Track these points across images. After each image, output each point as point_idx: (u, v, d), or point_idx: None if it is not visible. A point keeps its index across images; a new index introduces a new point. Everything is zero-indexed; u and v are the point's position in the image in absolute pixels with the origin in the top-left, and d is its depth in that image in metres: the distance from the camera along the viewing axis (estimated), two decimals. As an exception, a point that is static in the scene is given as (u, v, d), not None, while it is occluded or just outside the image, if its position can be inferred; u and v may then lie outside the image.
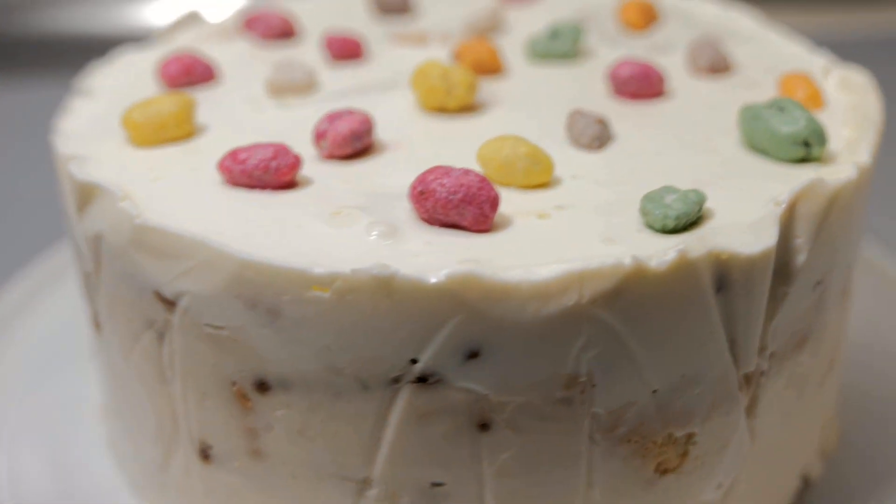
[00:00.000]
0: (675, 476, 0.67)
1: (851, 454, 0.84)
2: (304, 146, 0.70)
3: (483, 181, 0.62)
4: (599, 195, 0.67)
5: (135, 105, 0.73)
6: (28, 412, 0.88)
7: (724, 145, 0.72)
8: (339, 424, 0.63)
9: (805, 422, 0.76)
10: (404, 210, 0.64)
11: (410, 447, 0.63)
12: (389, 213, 0.64)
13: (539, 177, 0.67)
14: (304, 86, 0.80)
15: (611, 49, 0.88)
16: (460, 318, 0.58)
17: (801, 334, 0.69)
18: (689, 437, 0.66)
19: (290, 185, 0.67)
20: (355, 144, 0.70)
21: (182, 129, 0.73)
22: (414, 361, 0.60)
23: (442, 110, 0.77)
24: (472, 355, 0.60)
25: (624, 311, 0.60)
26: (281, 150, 0.67)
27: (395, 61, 0.86)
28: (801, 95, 0.77)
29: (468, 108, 0.77)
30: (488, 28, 0.92)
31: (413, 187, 0.63)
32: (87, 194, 0.67)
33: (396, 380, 0.61)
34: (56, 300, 1.00)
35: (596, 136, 0.72)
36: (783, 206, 0.64)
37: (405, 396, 0.61)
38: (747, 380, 0.66)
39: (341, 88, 0.81)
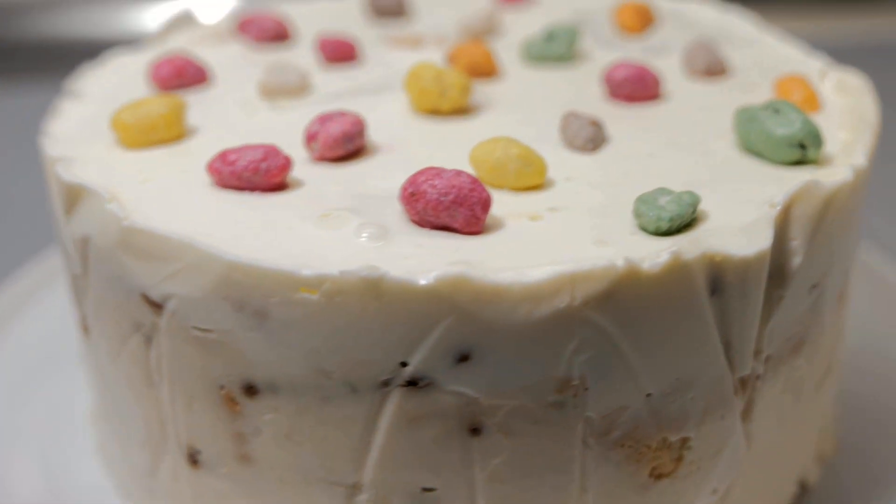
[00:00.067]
0: (670, 481, 0.66)
1: (849, 460, 0.83)
2: (295, 148, 0.70)
3: (475, 182, 0.62)
4: (593, 197, 0.66)
5: (124, 106, 0.73)
6: (19, 417, 0.87)
7: (720, 148, 0.72)
8: (328, 429, 0.62)
9: (802, 427, 0.76)
10: (395, 212, 0.64)
11: (401, 452, 0.62)
12: (380, 216, 0.63)
13: (532, 178, 0.66)
14: (296, 88, 0.80)
15: (606, 52, 0.87)
16: (451, 321, 0.58)
17: (798, 338, 0.69)
18: (684, 442, 0.65)
19: (280, 187, 0.67)
20: (347, 146, 0.69)
21: (172, 131, 0.73)
22: (404, 364, 0.59)
23: (435, 112, 0.76)
24: (463, 358, 0.59)
25: (617, 313, 0.59)
26: (271, 152, 0.66)
27: (388, 64, 0.85)
28: (797, 98, 0.77)
29: (462, 110, 0.76)
30: (484, 31, 0.91)
31: (404, 189, 0.62)
32: (75, 196, 0.67)
33: (386, 383, 0.60)
34: (47, 304, 0.99)
35: (590, 138, 0.71)
36: (778, 207, 0.63)
37: (395, 400, 0.60)
38: (743, 384, 0.65)
39: (334, 91, 0.80)
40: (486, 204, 0.62)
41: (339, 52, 0.86)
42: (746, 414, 0.67)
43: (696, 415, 0.64)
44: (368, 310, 0.58)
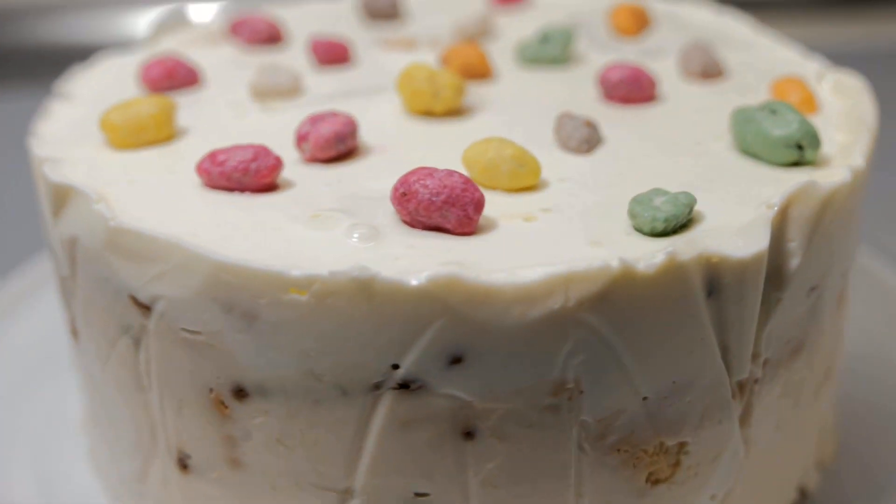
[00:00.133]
0: (667, 486, 0.65)
1: (849, 466, 0.83)
2: (286, 149, 0.69)
3: (467, 182, 0.61)
4: (587, 198, 0.65)
5: (113, 107, 0.72)
6: (11, 423, 0.87)
7: (716, 149, 0.71)
8: (319, 432, 0.61)
9: (801, 432, 0.75)
10: (386, 213, 0.63)
11: (393, 456, 0.61)
12: (371, 216, 0.63)
13: (525, 179, 0.66)
14: (288, 89, 0.79)
15: (602, 54, 0.87)
16: (443, 322, 0.57)
17: (796, 342, 0.68)
18: (682, 447, 0.64)
19: (270, 187, 0.66)
20: (339, 147, 0.69)
21: (162, 132, 0.72)
22: (395, 367, 0.58)
23: (428, 114, 0.75)
24: (456, 360, 0.58)
25: (611, 315, 0.58)
26: (261, 152, 0.65)
27: (382, 66, 0.84)
28: (794, 99, 0.76)
29: (455, 111, 0.76)
30: (478, 33, 0.91)
31: (395, 189, 0.61)
32: (62, 197, 0.66)
33: (377, 386, 0.59)
34: (38, 309, 0.98)
35: (585, 139, 0.70)
36: (775, 208, 0.62)
37: (387, 403, 0.59)
38: (741, 388, 0.65)
39: (326, 92, 0.80)
40: (478, 204, 0.61)
41: (332, 54, 0.85)
42: (745, 418, 0.66)
43: (693, 419, 0.63)
44: (359, 311, 0.57)
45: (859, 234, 0.75)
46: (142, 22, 1.54)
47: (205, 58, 0.86)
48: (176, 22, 0.94)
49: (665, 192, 0.62)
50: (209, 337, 0.61)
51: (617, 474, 0.63)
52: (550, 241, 0.61)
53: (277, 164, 0.65)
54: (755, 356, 0.64)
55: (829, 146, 0.70)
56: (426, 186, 0.60)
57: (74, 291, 0.69)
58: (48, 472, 0.82)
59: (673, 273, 0.58)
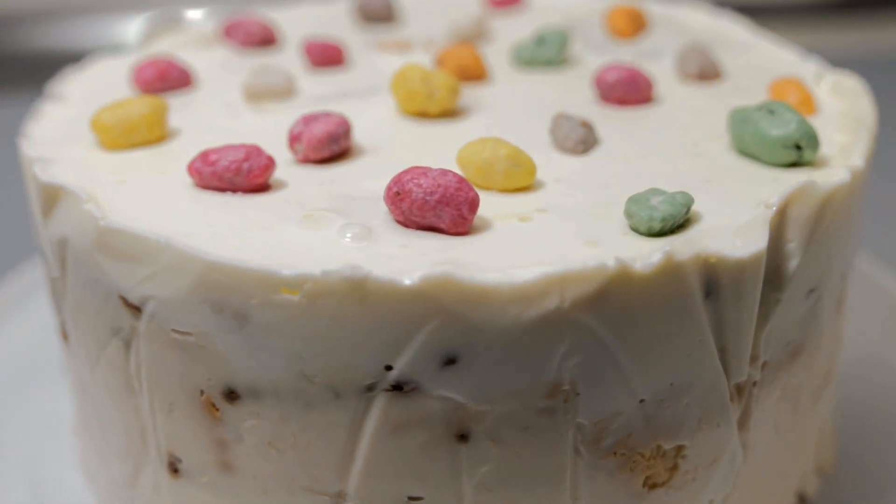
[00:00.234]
0: (665, 491, 0.64)
1: (849, 471, 0.82)
2: (279, 150, 0.68)
3: (461, 182, 0.60)
4: (583, 199, 0.64)
5: (104, 107, 0.71)
6: (2, 428, 0.86)
7: (713, 150, 0.70)
8: (311, 435, 0.60)
9: (800, 437, 0.74)
10: (380, 213, 0.62)
11: (386, 459, 0.60)
12: (364, 216, 0.62)
13: (520, 179, 0.65)
14: (281, 91, 0.78)
15: (598, 56, 0.86)
16: (437, 323, 0.56)
17: (795, 345, 0.67)
18: (679, 451, 0.63)
19: (262, 188, 0.65)
20: (332, 147, 0.68)
21: (153, 133, 0.71)
22: (389, 368, 0.57)
23: (423, 115, 0.75)
24: (450, 362, 0.57)
25: (608, 315, 0.57)
26: (253, 152, 0.65)
27: (376, 68, 0.84)
28: (792, 100, 0.75)
29: (450, 112, 0.75)
30: (473, 36, 0.90)
31: (388, 188, 0.61)
32: (52, 197, 0.65)
33: (370, 388, 0.58)
34: (30, 315, 0.98)
35: (581, 139, 0.70)
36: (774, 208, 0.61)
37: (380, 405, 0.58)
38: (739, 391, 0.64)
39: (320, 93, 0.79)
40: (473, 204, 0.60)
41: (326, 56, 0.84)
42: (743, 422, 0.65)
43: (691, 422, 0.63)
44: (351, 311, 0.56)
45: (859, 237, 0.74)
46: (135, 28, 1.54)
47: (198, 60, 0.85)
48: (169, 24, 0.93)
49: (662, 192, 0.61)
50: (200, 338, 0.60)
51: (613, 478, 0.62)
52: (546, 241, 0.60)
53: (270, 164, 0.65)
54: (754, 359, 0.63)
55: (827, 147, 0.70)
56: (420, 186, 0.60)
57: (64, 293, 0.68)
58: (39, 478, 0.81)
59: (670, 273, 0.57)
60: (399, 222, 0.61)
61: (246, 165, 0.64)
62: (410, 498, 0.61)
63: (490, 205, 0.63)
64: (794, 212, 0.62)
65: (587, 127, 0.70)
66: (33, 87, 0.80)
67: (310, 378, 0.58)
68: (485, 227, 0.61)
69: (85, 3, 1.78)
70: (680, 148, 0.71)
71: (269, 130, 0.72)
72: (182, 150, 0.69)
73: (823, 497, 0.79)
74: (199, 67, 0.84)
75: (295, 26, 0.94)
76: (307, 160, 0.68)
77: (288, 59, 0.86)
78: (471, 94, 0.78)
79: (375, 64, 0.85)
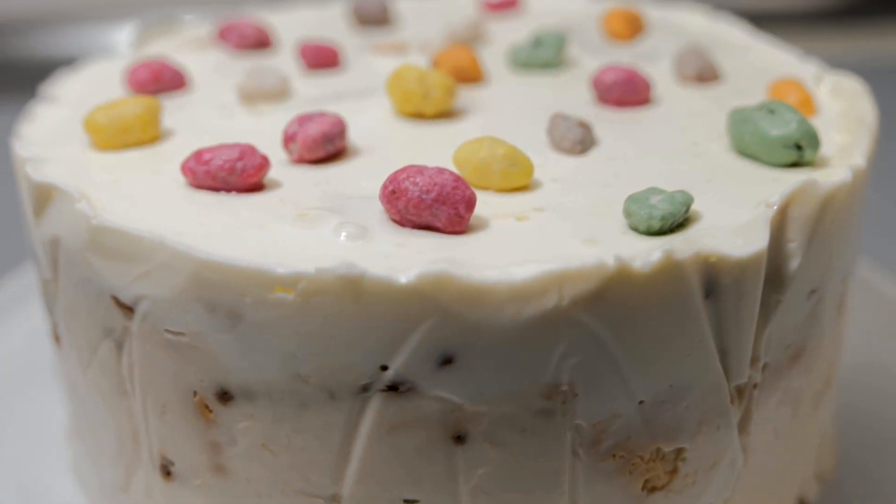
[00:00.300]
0: (664, 494, 0.64)
1: (849, 477, 0.81)
2: (273, 151, 0.67)
3: (458, 180, 0.59)
4: (581, 198, 0.64)
5: (97, 107, 0.70)
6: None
7: (712, 150, 0.70)
8: (305, 437, 0.60)
9: (800, 441, 0.73)
10: (375, 212, 0.61)
11: (382, 461, 0.59)
12: (360, 215, 0.61)
13: (518, 179, 0.64)
14: (276, 92, 0.77)
15: (595, 58, 0.85)
16: (433, 322, 0.55)
17: (796, 347, 0.66)
18: (679, 453, 0.63)
19: (256, 187, 0.64)
20: (327, 147, 0.67)
21: (147, 133, 0.70)
22: (384, 368, 0.57)
23: (419, 116, 0.74)
24: (446, 361, 0.56)
25: (607, 315, 0.56)
26: (247, 151, 0.64)
27: (371, 70, 0.83)
28: (792, 101, 0.74)
29: (446, 113, 0.74)
30: (469, 39, 0.89)
31: (384, 187, 0.60)
32: (44, 196, 0.65)
33: (366, 388, 0.57)
34: (22, 321, 0.97)
35: (578, 139, 0.69)
36: (774, 208, 0.61)
37: (375, 406, 0.58)
38: (739, 393, 0.63)
39: (315, 95, 0.78)
40: (470, 202, 0.59)
41: (321, 59, 0.83)
42: (743, 425, 0.65)
43: (691, 425, 0.62)
44: (346, 310, 0.55)
45: (860, 239, 0.73)
46: (128, 33, 1.54)
47: (192, 62, 0.85)
48: (163, 26, 0.93)
49: (661, 191, 0.61)
50: (193, 338, 0.59)
51: (612, 481, 0.62)
52: (544, 239, 0.59)
53: (264, 163, 0.64)
54: (754, 360, 0.63)
55: (828, 147, 0.69)
56: (416, 184, 0.59)
57: (56, 295, 0.68)
58: (31, 483, 0.80)
59: (670, 272, 0.57)
60: (395, 221, 0.60)
61: (240, 165, 0.63)
62: (406, 501, 0.60)
63: (487, 204, 0.62)
64: (794, 211, 0.62)
65: (585, 127, 0.70)
66: (25, 94, 0.79)
67: (304, 378, 0.58)
68: (481, 226, 0.60)
69: (78, 9, 1.78)
70: (679, 148, 0.70)
71: (263, 131, 0.71)
72: (176, 151, 0.69)
73: (824, 503, 0.78)
74: (193, 70, 0.83)
75: (290, 29, 0.93)
76: (302, 160, 0.67)
77: (283, 62, 0.85)
78: (467, 95, 0.78)
79: (371, 66, 0.84)
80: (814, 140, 0.66)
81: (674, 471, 0.63)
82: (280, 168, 0.66)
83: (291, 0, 1.02)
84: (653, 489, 0.63)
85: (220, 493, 0.64)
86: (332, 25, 0.95)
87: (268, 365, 0.58)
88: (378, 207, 0.61)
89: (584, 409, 0.59)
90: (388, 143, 0.70)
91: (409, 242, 0.59)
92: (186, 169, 0.64)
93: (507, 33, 0.92)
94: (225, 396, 0.60)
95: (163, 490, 0.66)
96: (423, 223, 0.59)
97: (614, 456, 0.61)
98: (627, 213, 0.60)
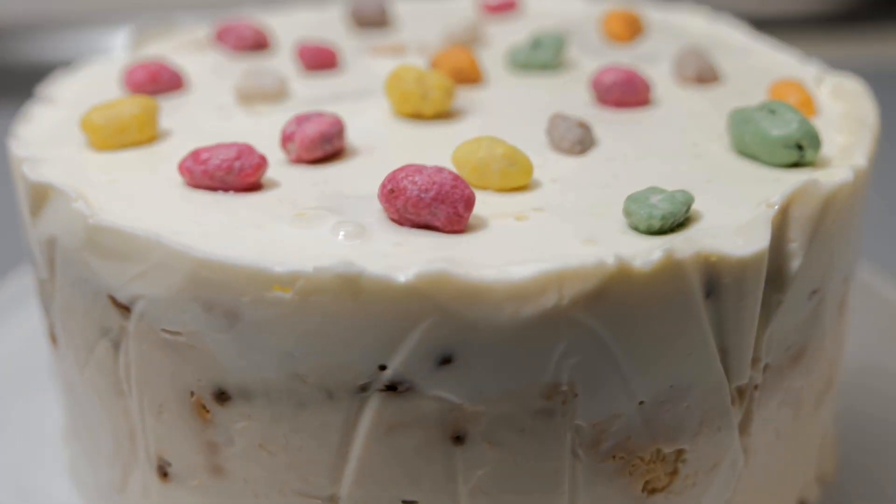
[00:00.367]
0: (664, 496, 0.63)
1: (850, 480, 0.81)
2: (271, 152, 0.67)
3: (457, 179, 0.59)
4: (581, 198, 0.63)
5: (94, 107, 0.70)
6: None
7: (713, 151, 0.69)
8: (303, 437, 0.59)
9: (802, 443, 0.73)
10: (374, 212, 0.61)
11: (380, 461, 0.59)
12: (358, 215, 0.61)
13: (517, 179, 0.64)
14: (274, 93, 0.77)
15: (594, 60, 0.85)
16: (432, 321, 0.55)
17: (797, 347, 0.66)
18: (679, 455, 0.62)
19: (254, 187, 0.64)
20: (325, 147, 0.67)
21: (144, 133, 0.70)
22: (383, 368, 0.56)
23: (418, 117, 0.74)
24: (445, 361, 0.56)
25: (607, 314, 0.56)
26: (245, 150, 0.63)
27: (370, 71, 0.83)
28: (792, 102, 0.74)
29: (445, 114, 0.74)
30: (468, 40, 0.89)
31: (383, 186, 0.60)
32: (41, 196, 0.64)
33: (364, 388, 0.57)
34: (18, 324, 0.97)
35: (578, 140, 0.69)
36: (776, 207, 0.60)
37: (374, 406, 0.57)
38: (740, 393, 0.63)
39: (313, 96, 0.78)
40: (469, 201, 0.59)
41: (319, 60, 0.83)
42: (744, 426, 0.64)
43: (691, 425, 0.61)
44: (345, 309, 0.55)
45: (861, 239, 0.73)
46: (126, 36, 1.53)
47: (189, 64, 0.84)
48: (160, 28, 0.92)
49: (662, 191, 0.60)
50: (190, 338, 0.59)
51: (612, 482, 0.61)
52: (543, 239, 0.59)
53: (262, 162, 0.64)
54: (755, 361, 0.62)
55: (829, 148, 0.69)
56: (415, 183, 0.59)
57: (53, 295, 0.67)
58: (27, 485, 0.80)
59: (670, 271, 0.56)
60: (393, 220, 0.60)
61: (238, 164, 0.63)
62: (404, 501, 0.60)
63: (486, 204, 0.62)
64: (796, 211, 0.61)
65: (584, 127, 0.69)
66: (21, 99, 0.78)
67: (302, 378, 0.57)
68: (480, 225, 0.60)
69: (75, 14, 1.78)
70: (679, 149, 0.70)
71: (261, 132, 0.71)
72: (173, 151, 0.68)
73: (825, 506, 0.78)
74: (190, 71, 0.82)
75: (288, 31, 0.92)
76: (300, 160, 0.67)
77: (281, 63, 0.85)
78: (466, 96, 0.77)
79: (369, 67, 0.84)
80: (815, 140, 0.66)
81: (674, 472, 0.63)
82: (278, 168, 0.66)
83: (289, 2, 1.02)
84: (653, 490, 0.63)
85: (218, 494, 0.63)
86: (330, 27, 0.94)
87: (265, 364, 0.58)
88: (376, 207, 0.61)
89: (584, 409, 0.58)
90: (387, 144, 0.70)
91: (407, 241, 0.58)
92: (184, 168, 0.64)
93: (506, 35, 0.91)
94: (222, 396, 0.60)
95: (160, 491, 0.66)
96: (422, 222, 0.59)
97: (614, 457, 0.60)
98: (627, 213, 0.60)
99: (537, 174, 0.65)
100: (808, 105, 0.74)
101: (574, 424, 0.59)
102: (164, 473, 0.65)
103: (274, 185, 0.64)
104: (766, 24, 0.94)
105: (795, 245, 0.61)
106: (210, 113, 0.76)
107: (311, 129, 0.66)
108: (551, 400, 0.58)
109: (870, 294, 0.97)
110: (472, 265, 0.55)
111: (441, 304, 0.54)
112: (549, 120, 0.70)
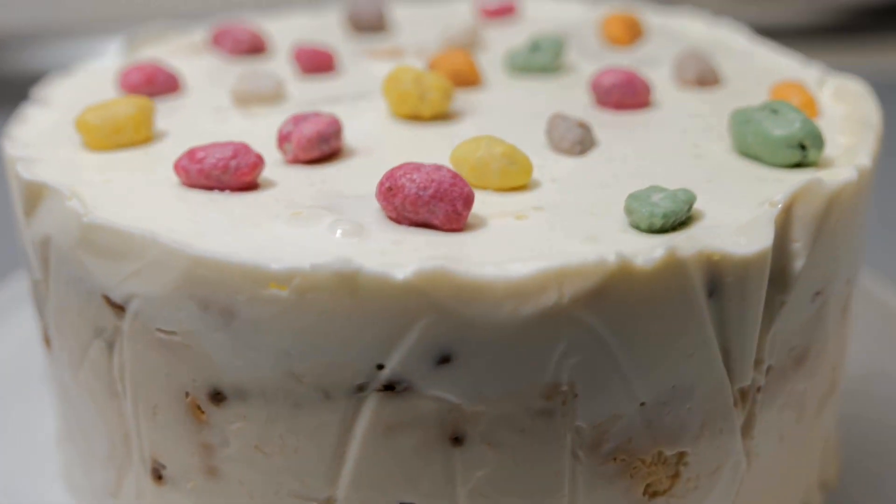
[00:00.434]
0: (666, 500, 0.62)
1: (853, 486, 0.80)
2: (268, 153, 0.66)
3: (455, 177, 0.58)
4: (581, 198, 0.63)
5: (89, 108, 0.69)
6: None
7: (714, 151, 0.69)
8: (299, 438, 0.58)
9: (805, 447, 0.72)
10: (372, 210, 0.60)
11: (377, 463, 0.58)
12: (355, 213, 0.60)
13: (516, 178, 0.63)
14: (271, 95, 0.76)
15: (593, 63, 0.84)
16: (430, 319, 0.54)
17: (800, 350, 0.65)
18: (681, 457, 0.61)
19: (250, 186, 0.63)
20: (322, 147, 0.66)
21: (140, 134, 0.69)
22: (380, 367, 0.56)
23: (416, 118, 0.73)
24: (444, 360, 0.55)
25: (608, 313, 0.55)
26: (241, 149, 0.63)
27: (367, 74, 0.82)
28: (794, 104, 0.73)
29: (443, 116, 0.73)
30: (466, 45, 0.88)
31: (381, 184, 0.59)
32: (35, 195, 0.64)
33: (361, 388, 0.56)
34: (13, 327, 0.96)
35: (578, 140, 0.68)
36: (779, 206, 0.60)
37: (371, 406, 0.56)
38: (743, 395, 0.62)
39: (310, 98, 0.77)
40: (468, 199, 0.58)
41: (316, 63, 0.82)
42: (747, 429, 0.63)
43: (693, 427, 0.61)
44: (342, 307, 0.54)
45: (864, 241, 0.72)
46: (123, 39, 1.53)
47: (186, 67, 0.84)
48: (156, 32, 0.92)
49: (663, 189, 0.60)
50: (185, 337, 0.58)
51: (613, 485, 0.60)
52: (543, 237, 0.58)
53: (259, 161, 0.63)
54: (758, 362, 0.61)
55: (831, 149, 0.68)
56: (413, 180, 0.58)
57: (47, 295, 0.66)
58: (22, 491, 0.79)
59: (672, 269, 0.55)
60: (391, 219, 0.59)
61: (234, 163, 0.62)
62: (402, 504, 0.59)
63: (485, 204, 0.61)
64: (799, 210, 0.61)
65: (584, 128, 0.69)
66: (16, 108, 0.78)
67: (298, 377, 0.56)
68: (479, 224, 0.59)
69: (70, 24, 1.78)
70: (680, 149, 0.69)
71: (258, 134, 0.70)
72: (169, 151, 0.68)
73: (828, 512, 0.77)
74: (187, 74, 0.82)
75: (285, 35, 0.92)
76: (297, 160, 0.66)
77: (277, 67, 0.84)
78: (464, 98, 0.77)
79: (367, 70, 0.83)
80: (818, 140, 0.65)
81: (676, 475, 0.62)
82: (274, 168, 0.66)
83: (286, 7, 1.01)
84: (654, 494, 0.62)
85: (213, 497, 0.62)
86: (326, 32, 0.94)
87: (261, 363, 0.57)
88: (374, 206, 0.60)
89: (585, 409, 0.57)
90: (384, 145, 0.70)
91: (405, 240, 0.58)
92: (179, 167, 0.63)
93: (505, 39, 0.91)
94: (218, 397, 0.59)
95: (154, 494, 0.65)
96: (420, 220, 0.58)
97: (615, 459, 0.60)
98: (629, 211, 0.59)
99: (537, 174, 0.65)
100: (809, 107, 0.73)
101: (574, 425, 0.58)
102: (158, 476, 0.64)
103: (270, 184, 0.64)
104: (765, 35, 0.93)
105: (799, 245, 0.61)
106: (206, 115, 0.75)
107: (309, 129, 0.66)
108: (551, 400, 0.57)
109: (870, 300, 0.96)
110: (471, 263, 0.54)
111: (439, 302, 0.54)
112: (549, 120, 0.70)
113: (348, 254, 0.55)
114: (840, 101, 0.76)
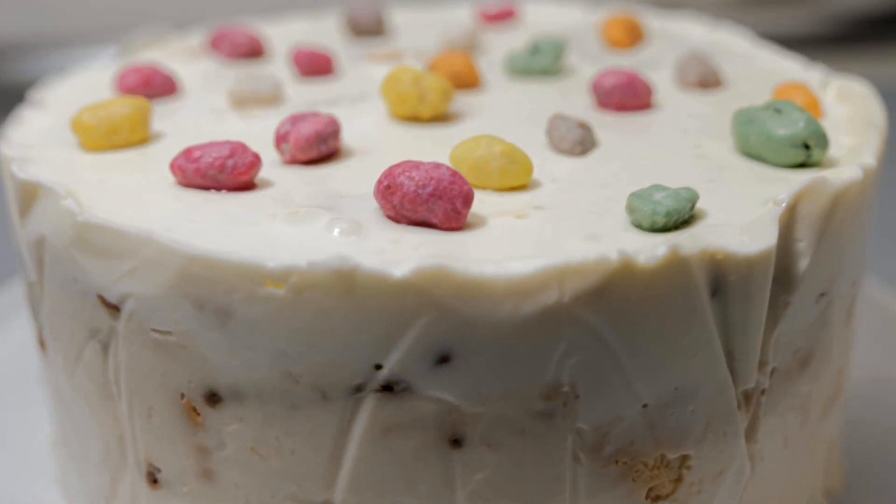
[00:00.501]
0: (668, 504, 0.61)
1: (857, 494, 0.79)
2: (266, 153, 0.66)
3: (455, 175, 0.58)
4: (582, 197, 0.62)
5: (85, 108, 0.69)
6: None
7: (716, 151, 0.68)
8: (296, 440, 0.58)
9: (809, 452, 0.71)
10: (370, 209, 0.60)
11: (375, 465, 0.57)
12: (353, 212, 0.59)
13: (516, 178, 0.62)
14: (268, 97, 0.76)
15: (593, 66, 0.84)
16: (429, 318, 0.53)
17: (805, 352, 0.64)
18: (684, 461, 0.60)
19: (247, 186, 0.63)
20: (320, 148, 0.65)
21: (136, 135, 0.69)
22: (378, 367, 0.55)
23: (415, 119, 0.72)
24: (443, 360, 0.54)
25: (610, 312, 0.54)
26: (238, 149, 0.62)
27: (366, 76, 0.82)
28: (797, 104, 0.72)
29: (442, 117, 0.73)
30: (466, 48, 0.88)
31: (379, 182, 0.58)
32: (30, 195, 0.63)
33: (359, 388, 0.55)
34: (8, 333, 0.95)
35: (578, 140, 0.67)
36: (783, 205, 0.59)
37: (369, 407, 0.56)
38: (746, 398, 0.61)
39: (308, 100, 0.77)
40: (467, 197, 0.57)
41: (314, 66, 0.82)
42: (751, 433, 0.62)
43: (696, 430, 0.60)
44: (339, 306, 0.53)
45: (869, 243, 0.71)
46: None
47: (183, 70, 0.83)
48: (154, 36, 0.91)
49: (665, 188, 0.59)
50: (180, 337, 0.57)
51: (615, 489, 0.59)
52: (544, 236, 0.58)
53: (256, 161, 0.62)
54: (762, 364, 0.61)
55: (835, 149, 0.67)
56: (412, 178, 0.57)
57: (42, 297, 0.66)
58: (16, 495, 0.78)
59: (675, 268, 0.55)
60: (390, 217, 0.59)
61: (230, 162, 0.62)
62: (400, 507, 0.58)
63: (485, 203, 0.61)
64: (804, 209, 0.60)
65: (585, 128, 0.68)
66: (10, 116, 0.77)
67: (295, 378, 0.56)
68: (479, 223, 0.59)
69: (67, 34, 1.77)
70: (681, 150, 0.68)
71: (255, 135, 0.69)
72: (165, 152, 0.67)
73: (832, 518, 0.77)
74: (184, 77, 0.82)
75: (283, 39, 0.92)
76: (294, 161, 0.66)
77: (276, 70, 0.84)
78: (464, 100, 0.76)
79: (365, 73, 0.83)
80: (822, 139, 0.65)
81: (679, 479, 0.61)
82: (272, 169, 0.65)
83: (284, 11, 1.01)
84: (657, 498, 0.61)
85: (208, 500, 0.61)
86: (325, 36, 0.93)
87: (258, 364, 0.56)
88: (372, 205, 0.60)
89: (586, 411, 0.57)
90: (383, 146, 0.69)
91: (403, 238, 0.57)
92: (175, 167, 0.62)
93: (505, 43, 0.90)
94: (213, 398, 0.58)
95: (149, 498, 0.64)
96: (419, 219, 0.58)
97: (617, 462, 0.59)
98: (631, 210, 0.58)
99: (537, 174, 0.64)
100: (813, 107, 0.73)
101: (575, 427, 0.57)
102: (153, 480, 0.63)
103: (267, 184, 0.63)
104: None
105: (803, 244, 0.60)
106: (203, 116, 0.75)
107: (306, 129, 0.65)
108: (552, 401, 0.56)
109: (874, 306, 0.95)
110: (471, 261, 0.54)
111: (438, 301, 0.53)
112: (550, 120, 0.69)
113: (346, 252, 0.54)
114: (844, 103, 0.75)
